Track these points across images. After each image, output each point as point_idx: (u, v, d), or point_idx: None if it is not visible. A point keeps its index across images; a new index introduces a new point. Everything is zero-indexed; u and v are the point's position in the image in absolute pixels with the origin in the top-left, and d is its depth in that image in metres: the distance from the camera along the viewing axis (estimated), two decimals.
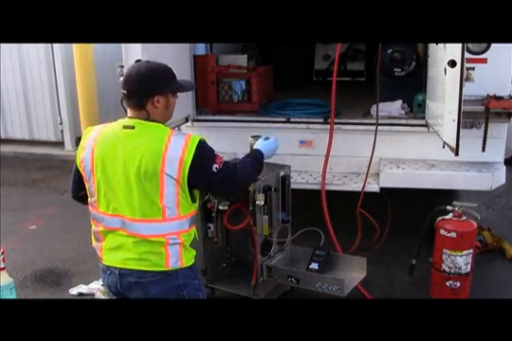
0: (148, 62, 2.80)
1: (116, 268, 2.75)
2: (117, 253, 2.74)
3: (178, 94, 2.85)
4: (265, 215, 3.83)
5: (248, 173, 3.04)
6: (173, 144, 2.63)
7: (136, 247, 2.70)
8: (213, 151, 2.79)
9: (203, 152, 2.69)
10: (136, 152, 2.62)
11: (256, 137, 3.58)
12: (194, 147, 2.64)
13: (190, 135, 2.70)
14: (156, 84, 2.71)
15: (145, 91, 2.68)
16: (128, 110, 2.75)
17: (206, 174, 2.72)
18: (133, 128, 2.68)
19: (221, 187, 2.92)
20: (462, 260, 3.91)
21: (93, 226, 2.83)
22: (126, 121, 2.72)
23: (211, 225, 3.95)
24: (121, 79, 2.80)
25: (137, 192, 2.64)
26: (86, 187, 2.78)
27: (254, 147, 3.38)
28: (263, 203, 3.74)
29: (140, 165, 2.60)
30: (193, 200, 2.77)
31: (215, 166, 2.74)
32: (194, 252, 2.83)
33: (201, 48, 5.09)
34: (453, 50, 3.46)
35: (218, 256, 4.22)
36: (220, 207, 3.87)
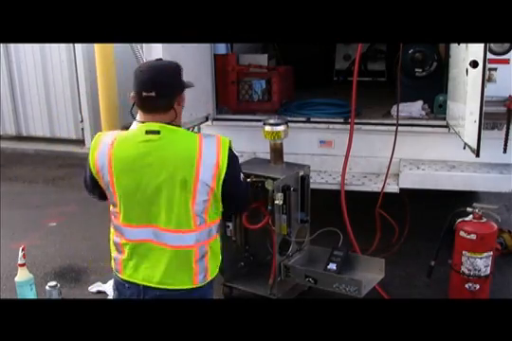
0: (157, 60, 2.66)
1: (137, 285, 2.59)
2: (140, 268, 2.57)
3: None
4: (284, 215, 3.83)
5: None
6: (206, 149, 2.47)
7: (163, 262, 2.54)
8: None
9: (234, 158, 2.56)
10: (166, 158, 2.46)
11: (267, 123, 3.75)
12: (227, 151, 2.50)
13: (219, 138, 2.53)
14: (180, 81, 2.57)
15: (174, 90, 2.53)
16: (148, 115, 2.53)
17: (235, 182, 2.60)
18: (158, 133, 2.47)
19: (241, 199, 2.79)
20: (481, 263, 3.88)
21: (114, 236, 2.66)
22: (148, 126, 2.50)
23: (230, 224, 3.96)
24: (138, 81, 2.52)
25: (166, 201, 2.47)
26: (107, 195, 2.61)
27: None
28: (281, 202, 3.74)
29: (173, 172, 2.44)
30: (219, 208, 2.63)
31: (242, 175, 2.68)
32: (220, 259, 2.71)
33: (222, 48, 5.10)
34: (475, 51, 3.43)
35: (236, 255, 4.23)
36: None
